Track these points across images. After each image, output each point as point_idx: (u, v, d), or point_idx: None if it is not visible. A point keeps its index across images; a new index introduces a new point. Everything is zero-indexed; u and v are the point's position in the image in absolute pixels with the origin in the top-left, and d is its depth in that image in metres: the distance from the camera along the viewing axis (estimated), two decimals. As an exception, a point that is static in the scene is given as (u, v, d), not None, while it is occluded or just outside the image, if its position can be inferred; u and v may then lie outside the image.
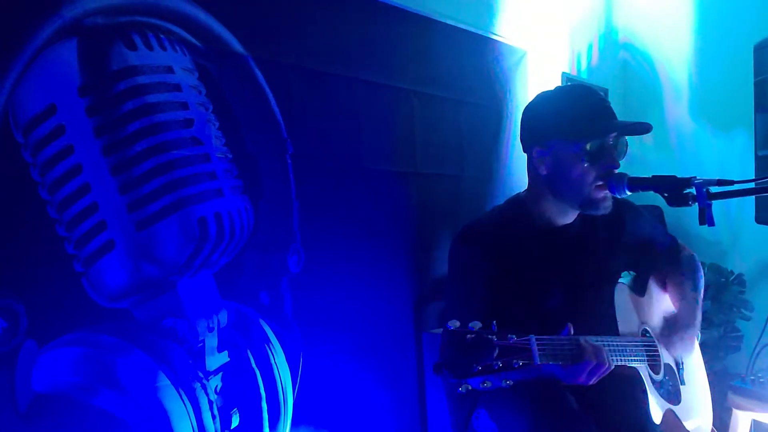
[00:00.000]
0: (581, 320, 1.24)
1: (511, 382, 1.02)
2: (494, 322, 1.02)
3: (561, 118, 1.30)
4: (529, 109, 1.38)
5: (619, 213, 1.45)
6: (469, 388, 1.02)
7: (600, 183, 1.28)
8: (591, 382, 1.15)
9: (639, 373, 1.30)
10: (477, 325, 1.01)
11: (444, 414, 1.84)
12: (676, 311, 1.46)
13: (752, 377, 2.08)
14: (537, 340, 1.06)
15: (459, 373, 1.00)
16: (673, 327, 1.42)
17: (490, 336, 1.00)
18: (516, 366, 1.02)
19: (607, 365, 1.15)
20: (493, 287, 1.28)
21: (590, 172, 1.27)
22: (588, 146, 1.26)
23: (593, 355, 1.13)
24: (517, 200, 1.42)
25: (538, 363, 1.05)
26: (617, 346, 1.25)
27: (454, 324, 1.01)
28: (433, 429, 1.96)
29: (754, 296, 2.53)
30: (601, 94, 1.35)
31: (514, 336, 1.03)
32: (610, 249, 1.44)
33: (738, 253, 2.64)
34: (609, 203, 1.31)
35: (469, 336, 1.00)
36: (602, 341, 1.20)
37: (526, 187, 1.43)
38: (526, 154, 1.39)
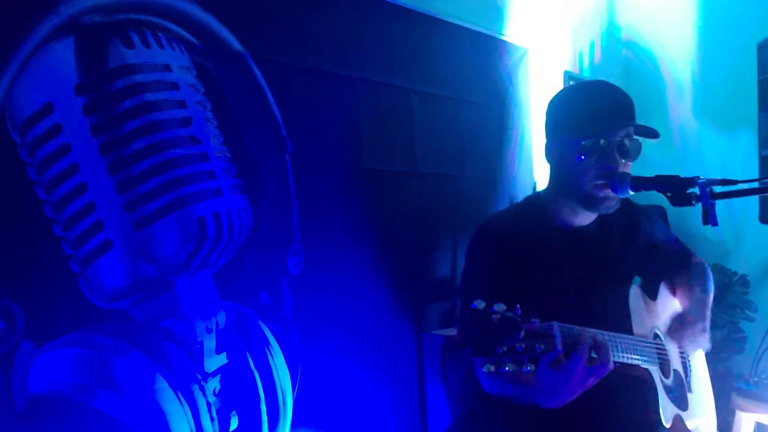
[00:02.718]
0: (595, 320, 1.22)
1: (533, 367, 1.00)
2: (518, 305, 1.01)
3: (568, 115, 1.31)
4: (549, 102, 1.40)
5: (636, 218, 1.46)
6: (492, 369, 1.00)
7: (601, 182, 1.27)
8: (590, 382, 1.12)
9: (650, 375, 1.29)
10: (501, 307, 0.99)
11: (444, 414, 1.83)
12: (684, 309, 1.45)
13: (756, 379, 2.07)
14: (559, 326, 1.04)
15: (483, 353, 0.98)
16: (683, 322, 1.41)
17: (515, 318, 0.99)
18: (539, 351, 1.00)
19: (610, 365, 1.12)
20: (509, 284, 1.27)
21: (588, 170, 1.27)
22: (584, 144, 1.25)
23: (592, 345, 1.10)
24: (535, 199, 1.43)
25: (560, 349, 1.04)
26: (631, 343, 1.23)
27: (479, 304, 0.99)
28: (433, 429, 1.95)
29: (758, 297, 2.52)
30: (620, 93, 1.32)
31: (537, 320, 1.01)
32: (625, 254, 1.43)
33: (741, 254, 2.63)
34: (612, 203, 1.30)
35: (494, 316, 0.98)
36: (616, 337, 1.19)
37: (534, 185, 1.44)
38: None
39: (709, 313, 1.43)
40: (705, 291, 1.49)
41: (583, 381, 1.10)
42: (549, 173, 1.40)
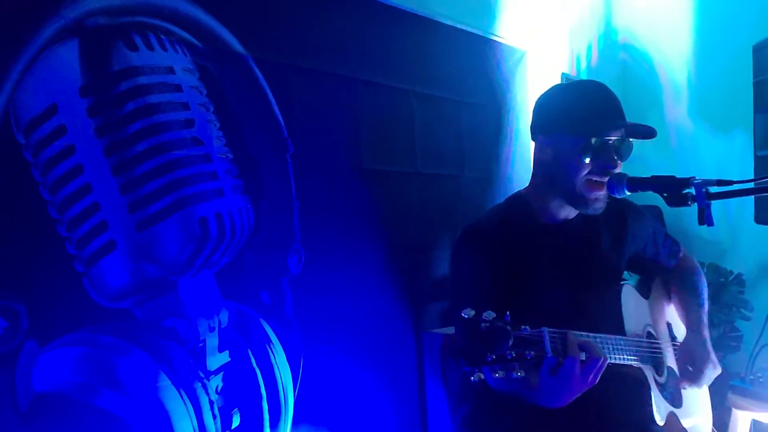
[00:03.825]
0: (586, 318, 1.23)
1: (523, 374, 1.01)
2: (508, 312, 1.02)
3: (564, 113, 1.30)
4: (540, 100, 1.39)
5: (622, 212, 1.45)
6: (482, 377, 1.00)
7: (594, 179, 1.28)
8: (590, 382, 1.13)
9: (644, 374, 1.30)
10: (491, 314, 1.00)
11: (444, 414, 1.84)
12: (686, 340, 1.44)
13: (752, 377, 2.08)
14: (549, 332, 1.06)
15: (472, 361, 0.99)
16: (691, 362, 1.40)
17: (504, 325, 1.00)
18: (528, 357, 1.00)
19: (602, 359, 1.13)
20: (497, 285, 1.27)
21: (584, 169, 1.27)
22: (585, 143, 1.26)
23: (581, 349, 1.11)
24: (517, 197, 1.43)
25: (550, 356, 1.05)
26: (622, 344, 1.24)
27: (469, 312, 1.00)
28: (433, 429, 1.96)
29: (754, 296, 2.53)
30: (613, 93, 1.33)
31: (527, 327, 1.02)
32: (612, 247, 1.43)
33: (737, 253, 2.64)
34: (601, 205, 1.30)
35: (483, 324, 0.99)
36: (606, 339, 1.20)
37: (526, 185, 1.44)
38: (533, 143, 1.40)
39: (708, 334, 1.43)
40: (700, 305, 1.49)
41: (582, 381, 1.11)
42: (535, 170, 1.39)
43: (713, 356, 1.40)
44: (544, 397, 1.15)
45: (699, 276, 1.56)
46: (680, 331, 1.53)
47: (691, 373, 1.38)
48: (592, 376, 1.12)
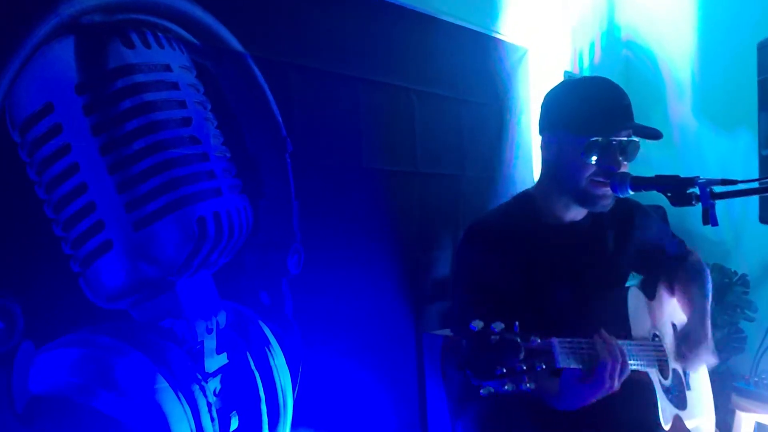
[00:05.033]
0: (591, 320, 1.22)
1: (533, 385, 0.99)
2: (516, 323, 1.00)
3: (569, 111, 1.29)
4: (547, 96, 1.37)
5: (629, 214, 1.44)
6: (491, 390, 0.98)
7: (600, 180, 1.26)
8: (616, 386, 1.12)
9: (650, 377, 1.29)
10: (499, 326, 0.98)
11: (444, 414, 1.84)
12: (686, 324, 1.44)
13: (756, 379, 2.07)
14: (559, 342, 1.04)
15: (482, 375, 0.97)
16: (686, 343, 1.39)
17: (514, 338, 0.98)
18: (539, 369, 0.99)
19: (627, 362, 1.13)
20: (501, 285, 1.26)
21: (588, 168, 1.26)
22: (588, 143, 1.24)
23: (609, 354, 1.10)
24: (525, 196, 1.41)
25: (560, 366, 1.03)
26: (630, 349, 1.23)
27: (478, 324, 0.98)
28: (433, 429, 1.95)
29: (758, 297, 2.52)
30: (622, 92, 1.31)
31: (537, 338, 1.01)
32: (619, 249, 1.42)
33: (742, 254, 2.63)
34: (608, 201, 1.29)
35: (492, 337, 0.97)
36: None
37: (533, 184, 1.43)
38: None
39: (709, 325, 1.42)
40: (704, 296, 1.48)
41: (609, 388, 1.11)
42: (542, 168, 1.38)
43: (711, 343, 1.38)
44: (563, 402, 1.14)
45: (703, 271, 1.55)
46: None
47: (686, 355, 1.37)
48: (617, 382, 1.11)
